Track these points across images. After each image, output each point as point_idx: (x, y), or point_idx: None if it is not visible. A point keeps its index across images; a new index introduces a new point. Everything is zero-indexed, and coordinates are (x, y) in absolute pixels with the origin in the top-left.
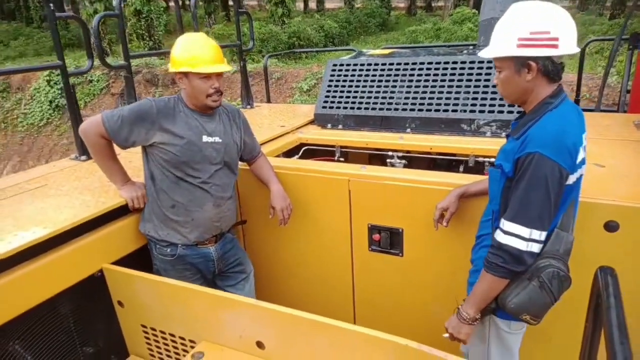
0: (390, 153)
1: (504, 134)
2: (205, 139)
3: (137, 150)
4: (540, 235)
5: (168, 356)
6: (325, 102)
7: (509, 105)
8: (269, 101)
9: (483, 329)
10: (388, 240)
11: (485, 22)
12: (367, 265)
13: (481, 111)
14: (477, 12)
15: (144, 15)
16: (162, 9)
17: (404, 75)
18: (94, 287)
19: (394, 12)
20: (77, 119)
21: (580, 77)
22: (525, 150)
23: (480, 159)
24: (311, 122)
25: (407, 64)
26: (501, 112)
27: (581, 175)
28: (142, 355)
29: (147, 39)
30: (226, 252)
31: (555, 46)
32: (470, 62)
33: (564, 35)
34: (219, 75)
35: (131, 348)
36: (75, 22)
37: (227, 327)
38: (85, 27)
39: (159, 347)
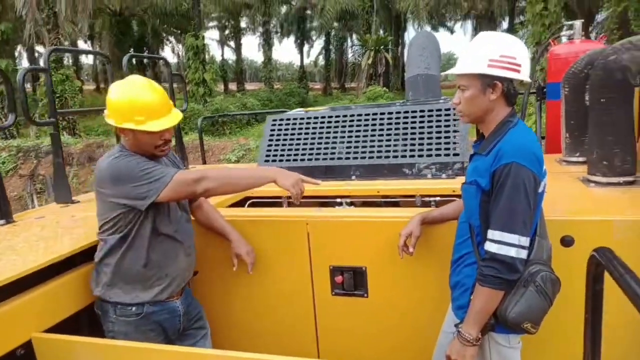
0: (339, 200)
1: (444, 175)
2: None
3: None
4: (526, 241)
5: None
6: (267, 155)
7: (445, 149)
8: (204, 162)
9: (482, 350)
10: (352, 280)
11: (412, 79)
12: (330, 311)
13: (420, 155)
14: (387, 89)
15: (57, 95)
16: (77, 88)
17: (344, 126)
18: None
19: (312, 92)
20: None
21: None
22: (502, 162)
23: (426, 199)
24: None
25: (345, 116)
26: (438, 155)
27: (545, 185)
28: None
29: (61, 119)
30: (189, 306)
31: (518, 71)
32: (405, 112)
33: (524, 64)
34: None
35: None
36: None
37: None
38: (8, 80)
39: None
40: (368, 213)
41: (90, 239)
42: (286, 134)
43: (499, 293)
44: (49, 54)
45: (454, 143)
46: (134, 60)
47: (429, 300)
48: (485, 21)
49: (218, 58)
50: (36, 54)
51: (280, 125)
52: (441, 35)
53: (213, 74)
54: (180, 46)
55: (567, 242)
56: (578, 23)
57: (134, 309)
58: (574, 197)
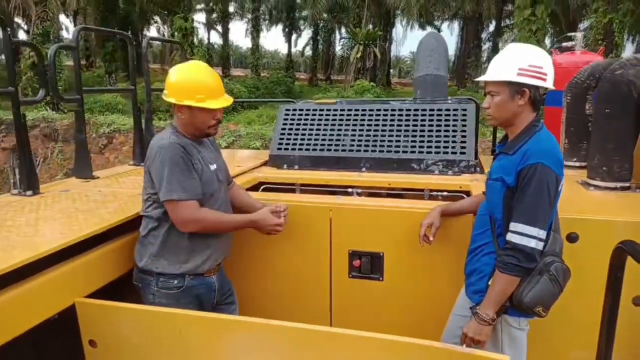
0: (350, 190)
1: (450, 172)
2: (211, 167)
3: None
4: (544, 234)
5: None
6: (280, 144)
7: (453, 147)
8: None
9: (495, 330)
10: (368, 265)
11: (421, 78)
12: (346, 292)
13: (428, 152)
14: (374, 84)
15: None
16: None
17: (355, 119)
18: (57, 327)
19: (297, 82)
20: (25, 152)
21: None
22: (528, 162)
23: (434, 193)
24: (264, 164)
25: (357, 110)
26: (446, 152)
27: (562, 185)
28: None
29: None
30: (222, 281)
31: (544, 80)
32: (415, 110)
33: (550, 74)
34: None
35: None
36: None
37: (225, 355)
38: (41, 55)
39: None
40: (389, 203)
41: (128, 213)
42: (299, 124)
43: (516, 279)
44: (78, 32)
45: (462, 142)
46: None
47: (441, 286)
48: (472, 22)
49: (204, 42)
50: (15, 26)
51: (293, 114)
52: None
53: (201, 57)
54: (165, 27)
55: (572, 238)
56: (579, 35)
57: (176, 281)
58: (576, 198)
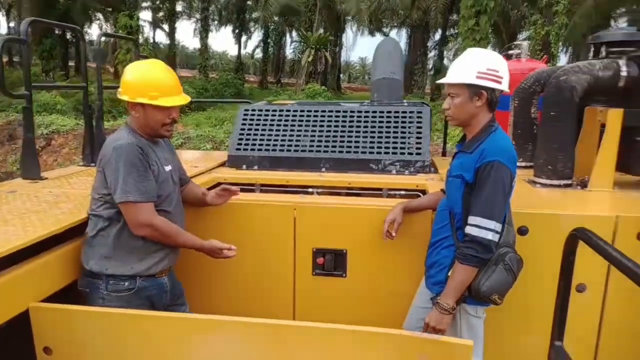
0: (310, 190)
1: (407, 172)
2: (167, 168)
3: None
4: (500, 227)
5: None
6: (239, 144)
7: (409, 148)
8: None
9: (454, 319)
10: (332, 262)
11: (378, 82)
12: (310, 290)
13: (386, 153)
14: (325, 88)
15: None
16: None
17: (315, 120)
18: (5, 335)
19: (247, 84)
20: None
21: (446, 131)
22: (486, 160)
23: (392, 192)
24: (222, 165)
25: (316, 111)
26: (403, 153)
27: (515, 182)
28: None
29: None
30: (173, 283)
31: (500, 82)
32: (373, 112)
33: (505, 77)
34: (176, 106)
35: None
36: None
37: (194, 355)
38: None
39: None
40: (352, 201)
41: (84, 213)
42: (258, 124)
43: (474, 270)
44: (28, 25)
45: (417, 144)
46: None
47: (402, 280)
48: (419, 31)
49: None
50: None
51: (252, 115)
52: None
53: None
54: (108, 25)
55: (522, 231)
56: (525, 44)
57: (126, 283)
58: (524, 195)
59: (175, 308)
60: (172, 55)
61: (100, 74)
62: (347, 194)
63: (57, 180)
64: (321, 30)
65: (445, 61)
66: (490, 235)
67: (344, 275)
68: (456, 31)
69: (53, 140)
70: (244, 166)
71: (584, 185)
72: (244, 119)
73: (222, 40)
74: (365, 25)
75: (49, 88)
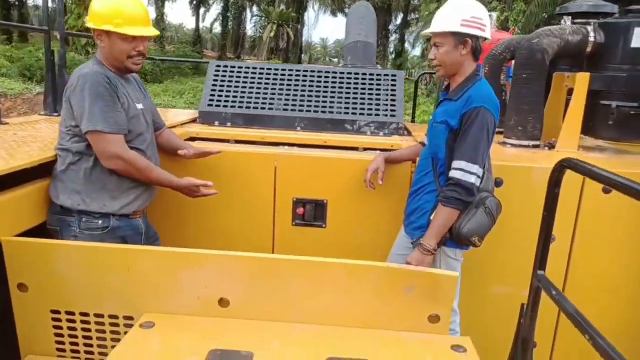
0: (286, 147)
1: (381, 133)
2: (138, 106)
3: None
4: (481, 172)
5: (88, 346)
6: (211, 100)
7: (384, 110)
8: None
9: (434, 260)
10: (312, 212)
11: (351, 45)
12: (289, 240)
13: (361, 114)
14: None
15: None
16: None
17: (289, 80)
18: None
19: (206, 59)
20: None
21: (415, 101)
22: (472, 106)
23: (368, 151)
24: (193, 121)
25: (290, 70)
26: (377, 115)
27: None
28: (47, 352)
29: None
30: (148, 225)
31: (483, 30)
32: (348, 73)
33: (487, 25)
34: (144, 38)
35: (28, 347)
36: None
37: (182, 289)
38: None
39: (74, 337)
40: (333, 152)
41: (45, 155)
42: (230, 81)
43: (456, 212)
44: None
45: (392, 106)
46: None
47: (381, 230)
48: (381, 13)
49: None
50: None
51: (224, 71)
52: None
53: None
54: None
55: (498, 183)
56: (494, 15)
57: (100, 221)
58: (497, 153)
59: None
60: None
61: (62, 15)
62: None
63: (20, 125)
64: (282, 7)
65: (406, 44)
66: (473, 179)
67: (323, 225)
68: (417, 16)
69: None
70: (216, 122)
71: (551, 146)
72: (215, 75)
73: (179, 12)
74: (328, 4)
75: (13, 27)
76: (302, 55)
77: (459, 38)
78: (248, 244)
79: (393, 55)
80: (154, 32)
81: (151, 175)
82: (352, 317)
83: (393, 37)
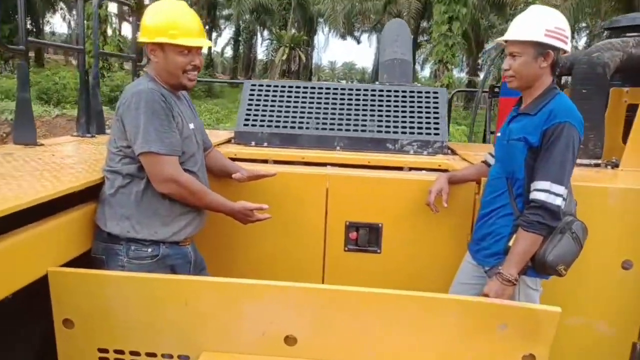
0: (328, 167)
1: (425, 152)
2: (190, 125)
3: None
4: (566, 193)
5: None
6: (247, 120)
7: (427, 128)
8: None
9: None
10: (366, 237)
11: (388, 62)
12: (341, 267)
13: (403, 132)
14: None
15: None
16: None
17: (327, 99)
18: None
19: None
20: None
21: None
22: (555, 121)
23: (414, 171)
24: (229, 141)
25: (328, 88)
26: (420, 133)
27: None
28: None
29: None
30: (196, 253)
31: (566, 43)
32: (388, 91)
33: (569, 37)
34: (199, 50)
35: None
36: None
37: (245, 325)
38: None
39: None
40: (389, 173)
41: (92, 177)
42: (266, 101)
43: (539, 238)
44: None
45: (435, 124)
46: None
47: (442, 256)
48: None
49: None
50: None
51: (259, 91)
52: (348, 43)
53: (115, 47)
54: (73, 14)
55: None
56: None
57: (149, 250)
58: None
59: None
60: (139, 50)
61: (97, 35)
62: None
63: (56, 147)
64: (293, 30)
65: (417, 66)
66: (558, 201)
67: (378, 251)
68: (426, 38)
69: None
70: (253, 142)
71: (614, 165)
72: (250, 95)
73: None
74: (339, 27)
75: (46, 45)
76: (312, 77)
77: (541, 49)
78: (296, 271)
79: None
80: (208, 42)
81: (205, 200)
82: (433, 357)
83: None
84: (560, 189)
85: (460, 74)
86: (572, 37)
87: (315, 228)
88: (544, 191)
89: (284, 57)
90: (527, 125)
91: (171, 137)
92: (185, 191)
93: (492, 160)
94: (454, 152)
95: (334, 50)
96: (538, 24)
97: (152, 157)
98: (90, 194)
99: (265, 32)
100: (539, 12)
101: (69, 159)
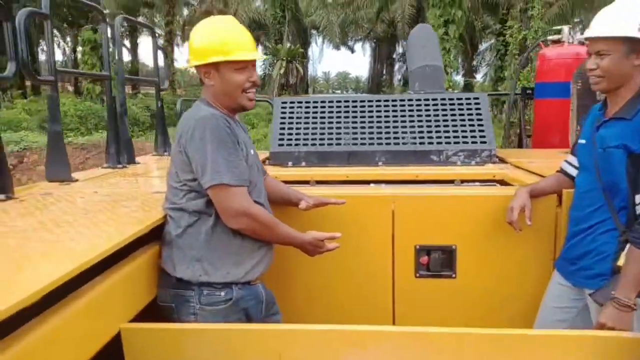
0: (372, 185)
1: (473, 162)
2: (251, 151)
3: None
4: None
5: None
6: (281, 139)
7: (472, 137)
8: None
9: None
10: (439, 260)
11: (419, 70)
12: (411, 294)
13: (447, 142)
14: None
15: None
16: None
17: (363, 112)
18: None
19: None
20: None
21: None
22: None
23: (466, 184)
24: (263, 163)
25: (362, 101)
26: (466, 142)
27: None
28: None
29: None
30: (266, 289)
31: None
32: (426, 100)
33: None
34: (254, 65)
35: None
36: None
37: None
38: (8, 17)
39: None
40: (458, 190)
41: (161, 212)
42: (299, 117)
43: None
44: None
45: (481, 132)
46: None
47: (524, 278)
48: (385, 43)
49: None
50: None
51: (291, 108)
52: (342, 53)
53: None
54: (67, 41)
55: None
56: (566, 28)
57: (222, 293)
58: None
59: (270, 319)
60: (134, 72)
61: (122, 60)
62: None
63: (93, 181)
64: (288, 44)
65: None
66: None
67: (453, 275)
68: None
69: (25, 158)
70: (290, 163)
71: None
72: (282, 113)
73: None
74: (334, 37)
75: (76, 75)
76: (309, 89)
77: (632, 46)
78: (364, 301)
79: (401, 83)
80: (262, 55)
81: (278, 233)
82: None
83: (398, 65)
84: None
85: (456, 77)
86: (569, 33)
87: (382, 254)
88: None
89: (282, 71)
90: (625, 130)
91: (240, 166)
92: (258, 225)
93: (571, 170)
94: (502, 161)
95: (326, 60)
96: (629, 18)
97: (223, 190)
98: (150, 233)
99: (260, 47)
100: (630, 5)
101: (116, 196)
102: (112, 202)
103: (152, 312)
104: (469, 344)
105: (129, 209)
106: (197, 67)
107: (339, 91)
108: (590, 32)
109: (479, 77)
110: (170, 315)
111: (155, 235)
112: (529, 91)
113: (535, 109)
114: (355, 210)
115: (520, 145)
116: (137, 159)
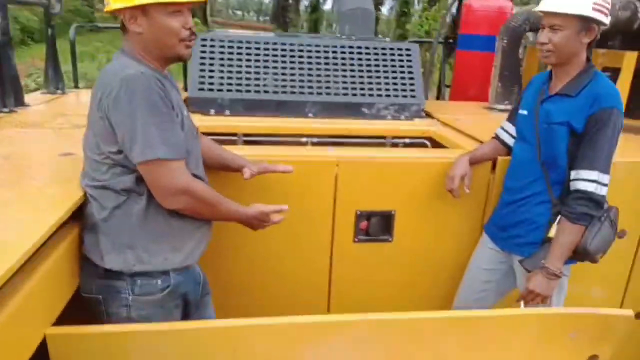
0: (304, 139)
1: (402, 117)
2: (184, 112)
3: None
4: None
5: None
6: (202, 83)
7: (402, 90)
8: (76, 86)
9: None
10: (377, 226)
11: (349, 12)
12: (349, 259)
13: (379, 95)
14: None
15: None
16: None
17: (293, 56)
18: None
19: (98, 13)
20: None
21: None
22: (602, 106)
23: (396, 140)
24: None
25: (292, 44)
26: (396, 96)
27: None
28: None
29: None
30: (200, 270)
31: (608, 17)
32: (358, 48)
33: (609, 11)
34: (190, 9)
35: None
36: None
37: None
38: None
39: None
40: (400, 153)
41: (75, 194)
42: (222, 59)
43: (583, 228)
44: None
45: (411, 85)
46: None
47: (457, 242)
48: None
49: None
50: None
51: (212, 47)
52: None
53: None
54: None
55: None
56: None
57: (159, 281)
58: None
59: (203, 300)
60: None
61: None
62: (345, 144)
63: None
64: None
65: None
66: (604, 191)
67: (390, 239)
68: None
69: None
70: (212, 111)
71: None
72: (202, 53)
73: None
74: None
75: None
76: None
77: (585, 24)
78: (302, 267)
79: (308, 11)
80: None
81: (221, 210)
82: None
83: None
84: (606, 179)
85: None
86: None
87: (322, 219)
88: (592, 182)
89: None
90: (570, 108)
91: (176, 136)
92: (199, 203)
93: (508, 139)
94: (429, 115)
95: None
96: None
97: (158, 166)
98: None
99: None
100: None
101: (15, 160)
102: (14, 170)
103: (75, 303)
104: (429, 328)
105: (38, 182)
106: (118, 10)
107: (239, 12)
108: (548, 6)
109: (384, 10)
110: (96, 307)
111: (74, 215)
112: (450, 40)
113: (457, 60)
114: (297, 175)
115: (438, 95)
116: (25, 98)
